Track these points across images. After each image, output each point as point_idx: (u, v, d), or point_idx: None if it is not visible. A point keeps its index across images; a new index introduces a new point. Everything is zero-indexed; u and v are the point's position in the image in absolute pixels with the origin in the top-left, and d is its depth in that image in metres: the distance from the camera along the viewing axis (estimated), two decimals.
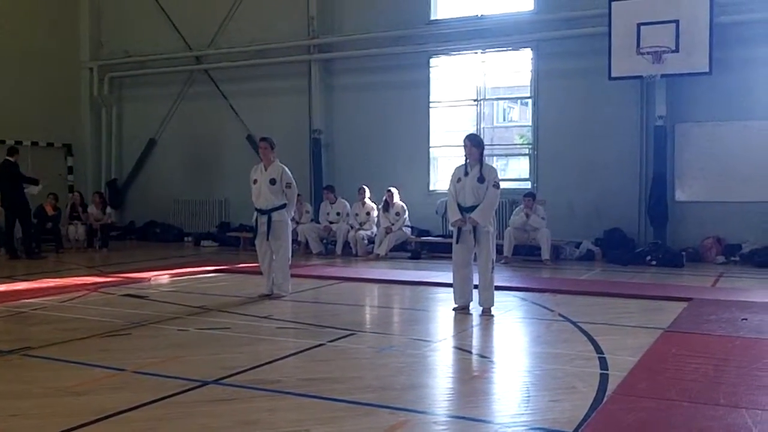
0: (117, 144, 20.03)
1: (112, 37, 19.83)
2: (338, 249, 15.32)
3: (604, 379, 5.38)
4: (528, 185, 15.42)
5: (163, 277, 11.49)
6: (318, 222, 15.76)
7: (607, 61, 13.65)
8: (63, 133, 19.22)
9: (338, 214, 15.56)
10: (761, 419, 4.38)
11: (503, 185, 8.96)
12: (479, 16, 15.78)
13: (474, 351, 6.76)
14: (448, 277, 8.97)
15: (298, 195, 14.60)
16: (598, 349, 6.38)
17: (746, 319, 7.56)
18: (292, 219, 10.35)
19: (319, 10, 17.01)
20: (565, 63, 14.94)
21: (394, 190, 15.07)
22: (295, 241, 13.07)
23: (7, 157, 14.41)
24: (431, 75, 16.41)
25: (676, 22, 12.99)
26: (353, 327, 7.47)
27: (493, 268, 8.29)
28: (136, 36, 19.39)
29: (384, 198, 15.03)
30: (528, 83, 15.72)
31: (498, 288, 8.65)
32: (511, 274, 11.92)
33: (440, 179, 16.16)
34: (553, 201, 14.53)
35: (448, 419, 4.63)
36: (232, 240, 16.94)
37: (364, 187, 15.32)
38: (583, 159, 14.71)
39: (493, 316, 8.14)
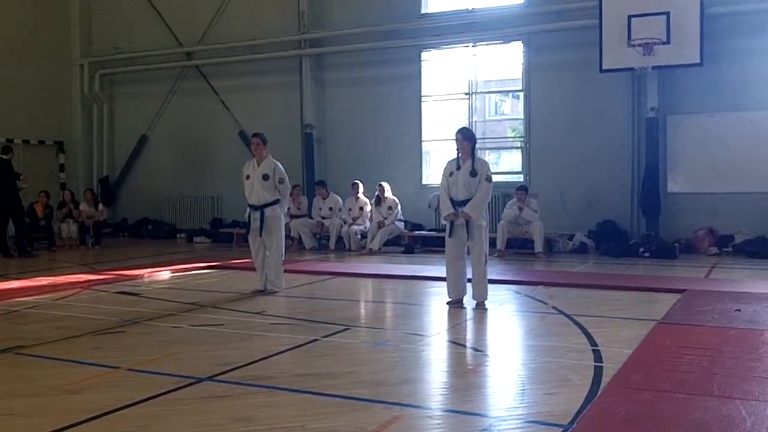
0: (109, 141, 19.97)
1: (103, 33, 19.73)
2: (331, 244, 15.31)
3: (598, 372, 5.39)
4: (520, 178, 15.43)
5: (156, 274, 11.46)
6: (311, 217, 15.75)
7: (598, 54, 13.65)
8: (54, 130, 19.15)
9: (331, 209, 15.55)
10: (755, 410, 4.39)
11: (496, 179, 8.96)
12: (470, 9, 15.76)
13: (468, 345, 6.77)
14: (441, 271, 8.98)
15: (296, 187, 14.63)
16: (592, 342, 6.40)
17: (739, 310, 7.58)
18: (286, 213, 10.32)
19: (310, 4, 16.96)
20: (556, 56, 14.93)
21: (385, 184, 15.06)
22: (288, 236, 13.06)
23: (1, 156, 14.35)
24: (423, 69, 16.38)
25: (667, 13, 12.98)
26: (347, 322, 7.46)
27: (486, 261, 8.31)
28: (127, 32, 19.31)
29: (375, 193, 15.02)
30: (519, 76, 15.71)
31: (491, 281, 8.67)
32: (505, 267, 11.94)
33: (433, 173, 16.15)
34: (546, 194, 14.54)
35: (443, 413, 4.63)
36: (225, 236, 16.91)
37: (358, 182, 15.32)
38: (576, 151, 14.71)
39: (486, 309, 8.15)
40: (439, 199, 8.66)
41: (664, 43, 12.96)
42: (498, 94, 26.00)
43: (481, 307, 8.20)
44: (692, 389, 4.83)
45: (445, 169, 8.52)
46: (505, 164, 19.91)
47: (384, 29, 16.24)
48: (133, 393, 4.94)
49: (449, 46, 16.11)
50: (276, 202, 9.41)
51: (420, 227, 15.61)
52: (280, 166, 9.48)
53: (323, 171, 16.96)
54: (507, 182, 15.23)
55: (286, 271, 9.85)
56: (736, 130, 13.62)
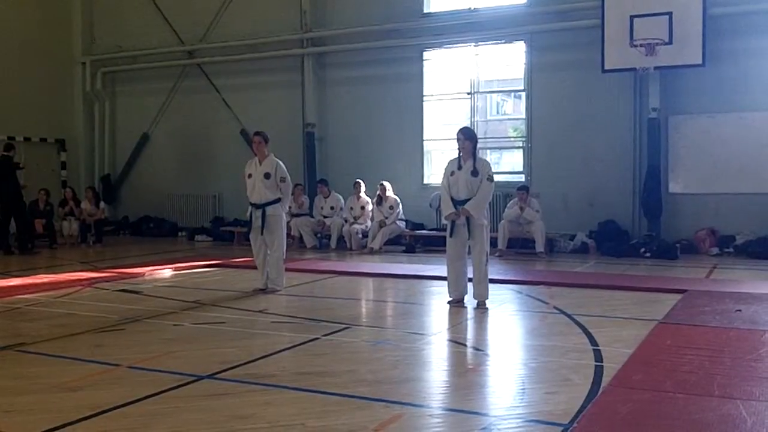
0: (110, 139, 19.98)
1: (105, 31, 19.74)
2: (332, 243, 15.30)
3: (599, 371, 5.39)
4: (522, 178, 15.41)
5: (157, 272, 11.46)
6: (312, 216, 15.74)
7: (600, 54, 13.66)
8: (56, 128, 19.17)
9: (332, 208, 15.54)
10: (755, 410, 4.39)
11: (497, 178, 8.96)
12: (472, 9, 15.73)
13: (469, 344, 6.77)
14: (442, 270, 8.98)
15: (298, 185, 14.62)
16: (592, 342, 6.40)
17: (740, 311, 7.58)
18: (288, 212, 10.32)
19: (312, 3, 16.96)
20: (559, 56, 14.93)
21: (386, 183, 15.06)
22: (289, 235, 13.06)
23: (4, 153, 14.35)
24: (425, 68, 16.37)
25: (669, 14, 12.98)
26: (348, 321, 7.47)
27: (487, 261, 8.31)
28: (129, 30, 19.30)
29: (377, 192, 15.02)
30: (521, 76, 15.70)
31: (492, 281, 8.67)
32: (506, 267, 11.93)
33: (434, 172, 16.13)
34: (547, 194, 14.54)
35: (443, 412, 4.64)
36: (226, 235, 16.89)
37: (360, 181, 15.31)
38: (577, 151, 14.71)
39: (487, 309, 8.15)
40: (440, 199, 8.67)
41: (666, 44, 12.96)
42: (500, 94, 25.89)
43: (481, 307, 8.20)
44: (693, 389, 4.84)
45: (446, 168, 8.53)
46: (507, 164, 19.87)
47: (386, 28, 16.23)
48: (133, 390, 4.94)
49: (451, 45, 16.09)
50: (277, 200, 9.42)
51: (421, 227, 15.61)
52: (282, 164, 9.48)
53: (324, 170, 16.95)
54: (508, 182, 15.22)
55: (287, 269, 9.85)
56: (738, 130, 13.61)
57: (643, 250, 13.22)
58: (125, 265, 12.35)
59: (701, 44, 12.95)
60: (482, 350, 6.52)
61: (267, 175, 9.33)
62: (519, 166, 16.06)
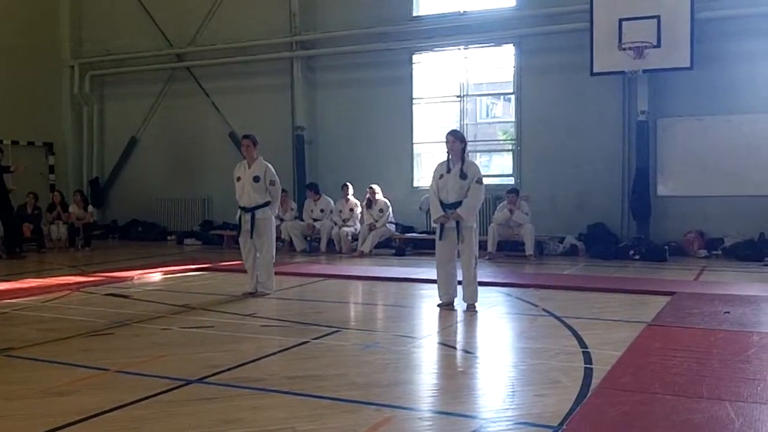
0: (98, 142, 19.89)
1: (93, 35, 19.66)
2: (322, 246, 15.29)
3: (588, 374, 5.40)
4: (511, 181, 15.46)
5: (146, 276, 11.42)
6: (302, 219, 15.72)
7: (589, 57, 13.70)
8: (44, 131, 19.07)
9: (322, 211, 15.52)
10: (744, 411, 4.41)
11: (487, 181, 8.98)
12: (461, 12, 15.78)
13: (458, 347, 6.77)
14: (432, 273, 8.98)
15: (284, 191, 14.60)
16: (582, 344, 6.41)
17: (729, 313, 7.61)
18: (276, 216, 10.31)
19: (301, 6, 16.95)
20: (548, 59, 14.97)
21: (376, 187, 15.05)
22: (279, 238, 13.04)
23: None
24: (414, 71, 16.39)
25: (658, 17, 13.03)
26: (338, 324, 7.46)
27: (476, 263, 8.31)
28: (117, 34, 19.24)
29: (366, 195, 15.01)
30: (511, 79, 15.74)
31: (482, 284, 8.69)
32: (495, 269, 11.95)
33: (424, 175, 16.13)
34: (537, 196, 14.57)
35: (433, 415, 4.63)
36: (216, 238, 16.87)
37: (348, 184, 15.30)
38: (566, 154, 14.75)
39: (477, 311, 8.16)
40: (429, 202, 8.67)
41: (654, 47, 13.02)
42: (489, 97, 26.00)
43: (471, 310, 8.20)
44: (682, 391, 4.85)
45: (435, 171, 8.53)
46: (496, 167, 19.89)
47: (375, 31, 16.24)
48: (122, 395, 4.92)
49: (441, 48, 16.11)
50: (267, 204, 9.41)
51: (411, 230, 15.61)
52: (271, 167, 9.47)
53: (314, 173, 16.95)
54: (498, 185, 15.26)
55: (276, 273, 9.84)
56: (726, 133, 13.67)
57: (632, 252, 13.26)
58: (114, 269, 12.29)
59: (689, 47, 13.00)
60: (472, 353, 6.52)
61: (256, 179, 9.32)
62: (508, 169, 16.09)
